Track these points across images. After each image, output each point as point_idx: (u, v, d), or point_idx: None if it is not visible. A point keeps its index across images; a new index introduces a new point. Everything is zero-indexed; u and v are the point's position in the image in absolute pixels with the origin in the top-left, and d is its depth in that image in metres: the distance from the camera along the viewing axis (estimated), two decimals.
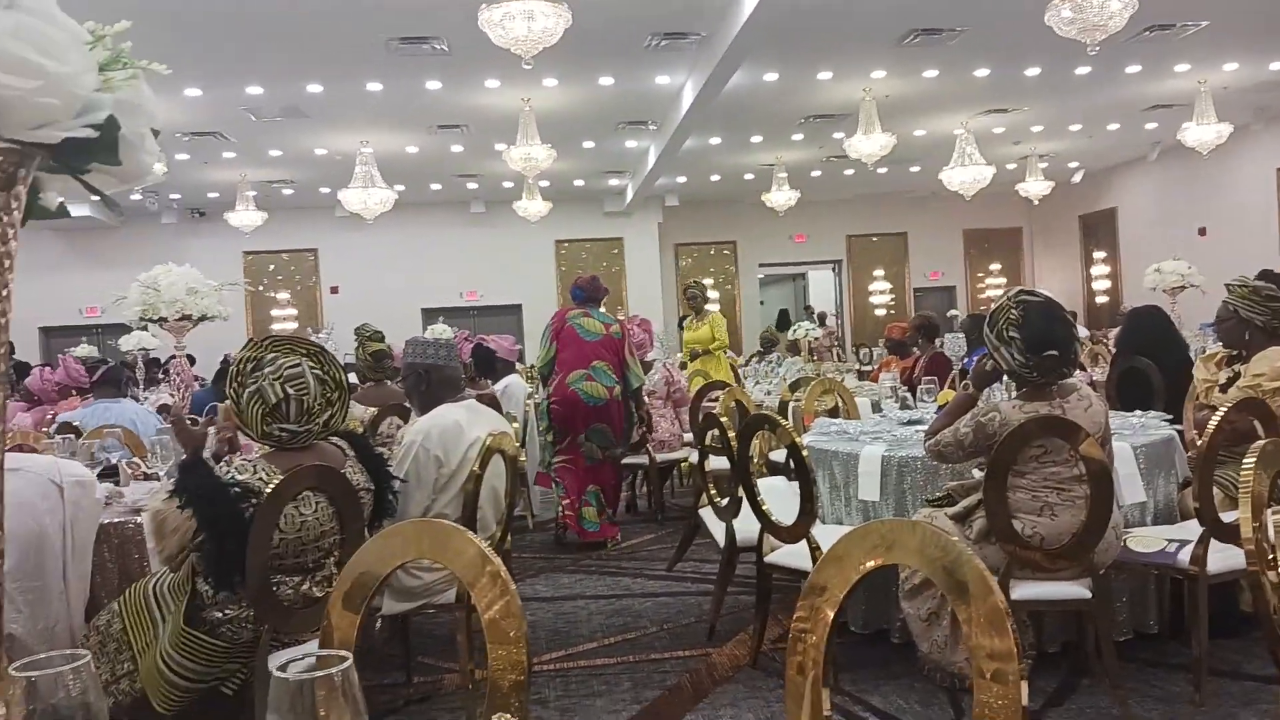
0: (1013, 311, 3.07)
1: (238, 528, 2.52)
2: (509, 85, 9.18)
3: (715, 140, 12.31)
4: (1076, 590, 2.93)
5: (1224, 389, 3.92)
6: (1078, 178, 15.90)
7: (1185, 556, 3.08)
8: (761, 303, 18.96)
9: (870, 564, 1.57)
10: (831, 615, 1.56)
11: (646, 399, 6.38)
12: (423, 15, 7.41)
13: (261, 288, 15.88)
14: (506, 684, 1.75)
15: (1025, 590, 2.96)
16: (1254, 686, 3.16)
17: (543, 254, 16.45)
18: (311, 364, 2.78)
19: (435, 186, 14.55)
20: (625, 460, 6.49)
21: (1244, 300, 3.89)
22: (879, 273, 18.32)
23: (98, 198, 0.76)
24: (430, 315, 14.73)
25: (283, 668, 0.85)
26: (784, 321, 17.67)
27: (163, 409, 6.31)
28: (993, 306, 3.24)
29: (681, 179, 14.93)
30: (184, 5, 6.91)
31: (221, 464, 2.68)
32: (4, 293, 0.72)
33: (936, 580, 1.45)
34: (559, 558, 5.64)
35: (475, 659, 3.19)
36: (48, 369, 6.88)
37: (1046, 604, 3.04)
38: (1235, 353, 4.01)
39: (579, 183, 14.77)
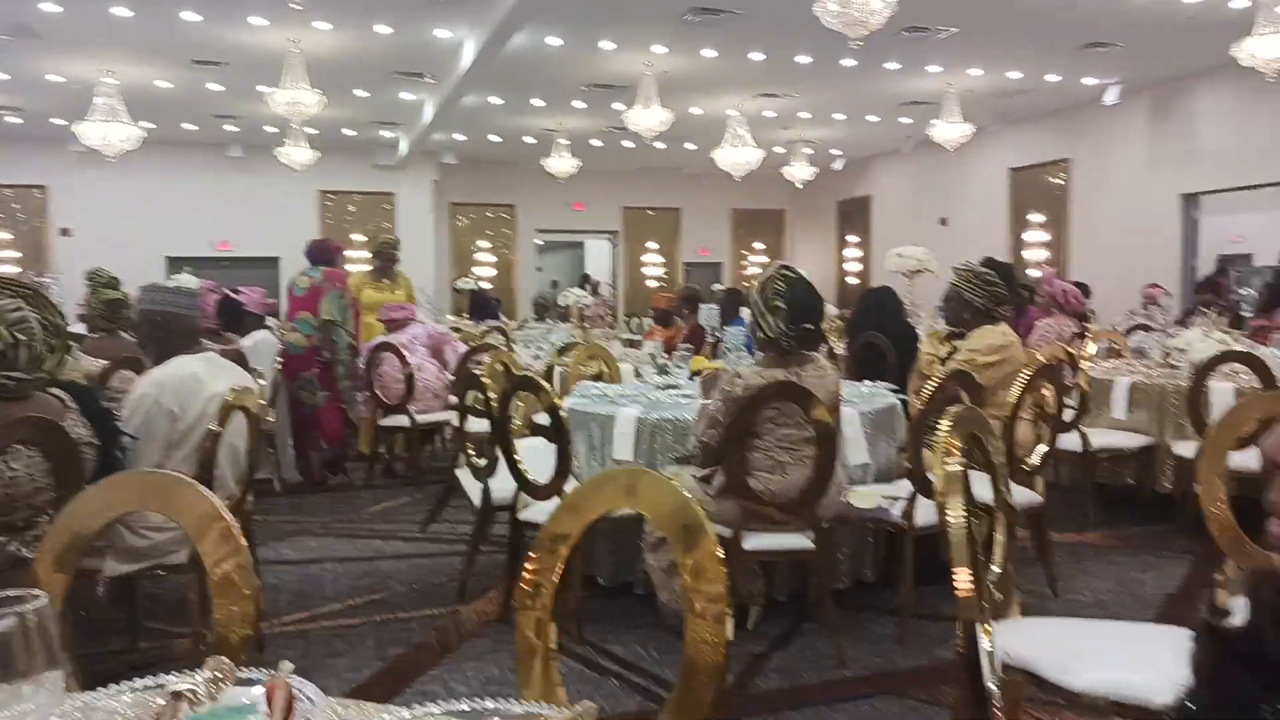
0: (779, 283, 3.25)
1: None
2: (277, 24, 8.64)
3: (496, 100, 12.13)
4: (801, 541, 3.16)
5: (944, 363, 4.31)
6: (839, 165, 16.91)
7: (897, 512, 3.39)
8: (539, 269, 18.96)
9: (604, 509, 1.63)
10: (562, 561, 1.61)
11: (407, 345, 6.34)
12: None
13: None
14: (235, 639, 1.69)
15: (757, 541, 3.17)
16: (949, 626, 3.51)
17: (305, 205, 15.60)
18: (31, 308, 2.56)
19: (189, 126, 13.48)
20: (385, 421, 6.35)
21: (966, 283, 4.29)
22: (653, 245, 18.77)
23: None
24: (176, 265, 13.66)
25: None
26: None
27: None
28: (761, 276, 3.40)
29: (460, 137, 14.61)
30: None
31: None
32: None
33: (661, 525, 1.53)
34: (307, 520, 5.45)
35: (208, 621, 3.05)
36: None
37: (775, 554, 3.27)
38: (956, 331, 4.43)
39: (349, 132, 14.12)
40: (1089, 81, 11.64)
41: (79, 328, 6.43)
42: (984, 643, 1.64)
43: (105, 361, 4.61)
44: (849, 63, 10.29)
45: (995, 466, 2.14)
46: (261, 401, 3.91)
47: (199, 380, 3.29)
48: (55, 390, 2.72)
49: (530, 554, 1.64)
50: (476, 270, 16.72)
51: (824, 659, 3.29)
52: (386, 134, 14.51)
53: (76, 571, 1.79)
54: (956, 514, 1.59)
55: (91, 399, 2.87)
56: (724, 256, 19.29)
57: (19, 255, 14.48)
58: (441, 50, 9.75)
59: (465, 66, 9.54)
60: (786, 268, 3.33)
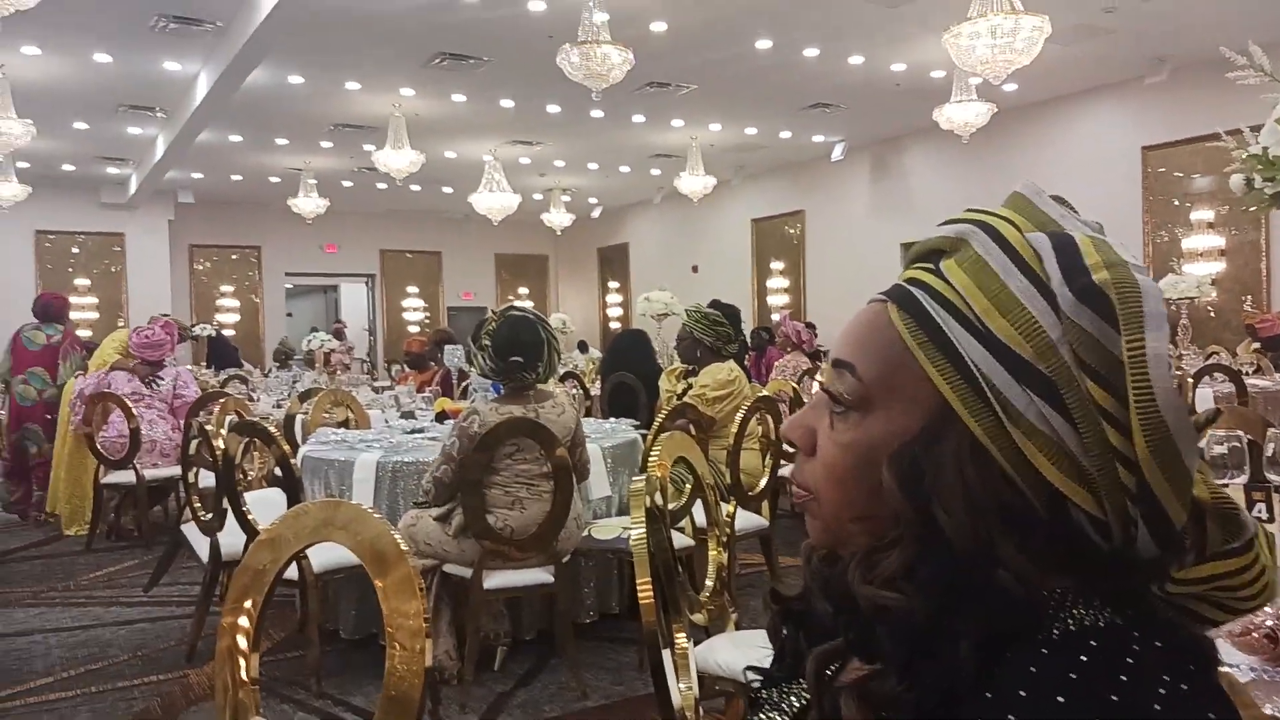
0: (491, 323, 3.31)
1: None
2: None
3: (236, 138, 11.60)
4: (542, 576, 3.20)
5: (680, 398, 4.53)
6: (596, 213, 17.38)
7: None
8: (289, 314, 18.14)
9: (305, 543, 1.60)
10: (262, 599, 1.56)
11: (148, 400, 5.92)
12: None
13: None
14: None
15: (498, 579, 3.18)
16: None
17: (20, 246, 14.20)
18: None
19: None
20: (109, 480, 5.86)
21: (696, 324, 4.54)
22: (413, 289, 18.46)
23: None
24: None
25: None
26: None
27: None
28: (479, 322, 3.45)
29: (197, 175, 13.80)
30: None
31: None
32: None
33: (360, 555, 1.52)
34: (16, 590, 4.92)
35: None
36: None
37: (517, 590, 3.29)
38: (690, 368, 4.66)
39: (69, 167, 13.02)
40: (818, 139, 12.66)
41: None
42: (667, 652, 1.74)
43: None
44: (598, 114, 10.65)
45: (705, 489, 2.27)
46: None
47: None
48: None
49: (231, 592, 1.58)
50: (220, 317, 15.78)
51: (567, 691, 3.33)
52: (114, 170, 13.50)
53: None
54: (637, 528, 1.68)
55: None
56: (489, 300, 19.26)
57: None
58: (173, 83, 9.25)
59: (199, 100, 9.08)
60: (512, 308, 3.42)
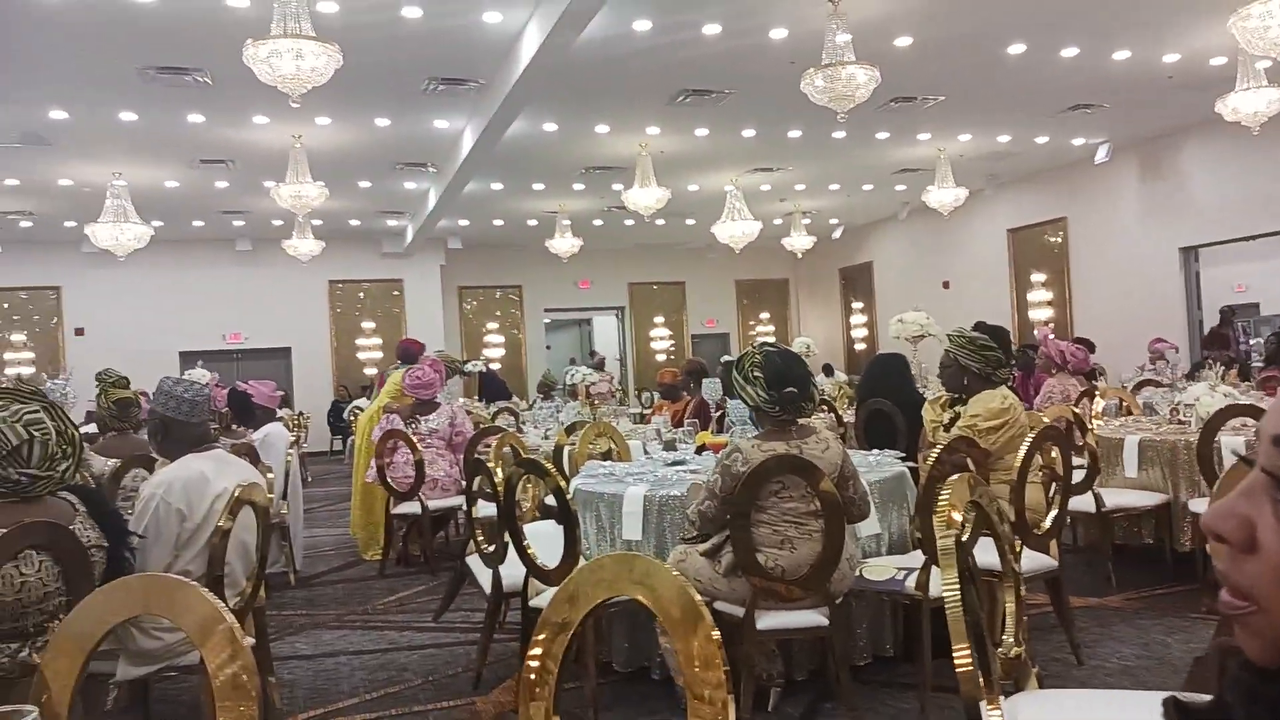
0: (756, 356, 3.29)
1: None
2: (279, 121, 8.88)
3: (497, 186, 12.38)
4: (815, 618, 3.13)
5: (947, 429, 4.31)
6: (837, 234, 17.10)
7: (911, 583, 3.35)
8: (548, 347, 19.10)
9: (601, 598, 1.63)
10: (563, 650, 1.61)
11: (427, 438, 6.36)
12: (181, 45, 7.06)
13: None
14: None
15: (771, 620, 3.13)
16: None
17: (315, 295, 15.87)
18: (46, 415, 2.62)
19: (198, 223, 13.77)
20: (397, 510, 6.34)
21: (961, 349, 4.31)
22: (659, 319, 18.93)
23: None
24: (189, 359, 13.84)
25: None
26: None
27: None
28: (739, 355, 3.46)
29: (464, 222, 14.87)
30: None
31: None
32: None
33: (659, 610, 1.53)
34: (321, 614, 5.41)
35: None
36: None
37: (790, 632, 3.23)
38: (956, 396, 4.43)
39: (355, 222, 14.40)
40: (1078, 141, 11.83)
41: (90, 428, 6.50)
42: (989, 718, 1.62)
43: (117, 460, 4.65)
44: (840, 134, 10.49)
45: (999, 533, 2.13)
46: (271, 495, 3.92)
47: (206, 479, 3.30)
48: (64, 494, 2.75)
49: (535, 640, 1.64)
50: (486, 352, 16.86)
51: None
52: (393, 222, 14.79)
53: (87, 676, 1.79)
54: (952, 588, 1.58)
55: (99, 501, 2.90)
56: (730, 327, 19.42)
57: (33, 355, 14.68)
58: (442, 139, 9.99)
59: (465, 154, 9.76)
60: (766, 343, 3.40)
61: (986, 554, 2.38)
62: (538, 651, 1.63)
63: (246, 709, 1.71)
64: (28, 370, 14.02)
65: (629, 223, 14.85)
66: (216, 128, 9.11)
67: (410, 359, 7.51)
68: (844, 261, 18.35)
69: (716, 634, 1.44)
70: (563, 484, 3.56)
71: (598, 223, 15.04)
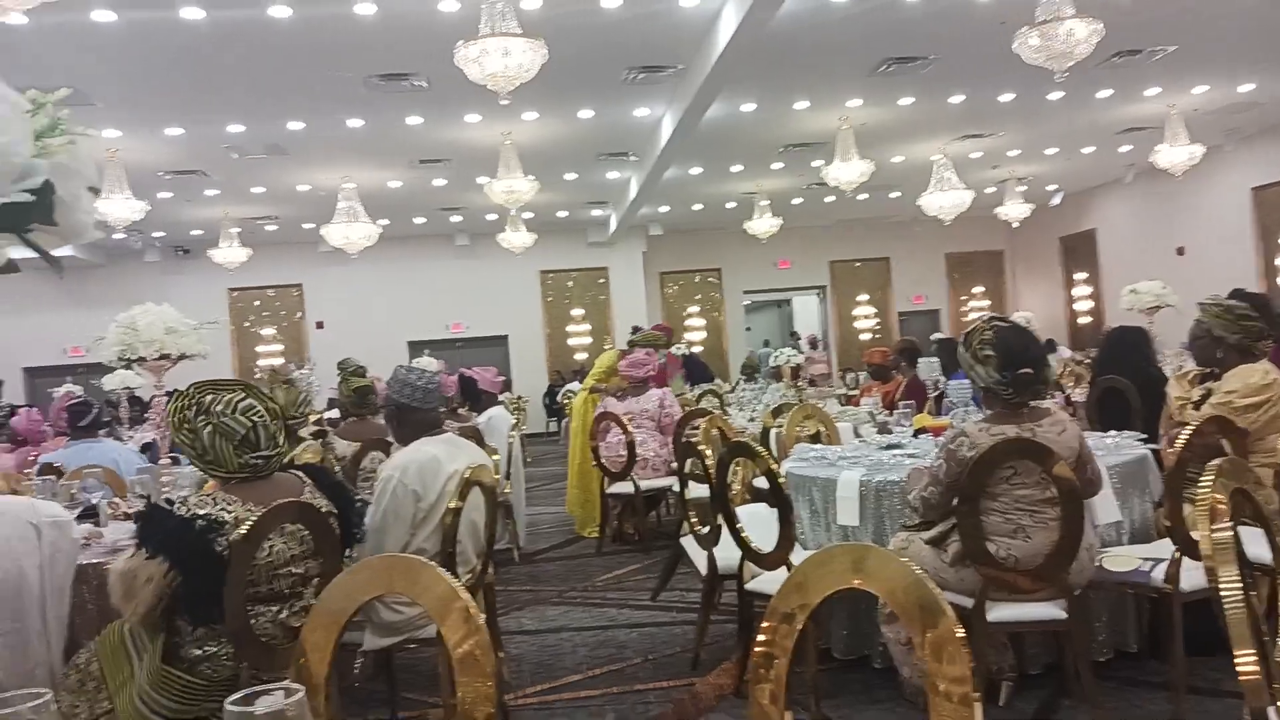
0: (986, 332, 3.12)
1: (210, 562, 2.52)
2: (489, 119, 9.26)
3: (696, 170, 12.42)
4: (1052, 611, 2.95)
5: (1197, 407, 3.95)
6: (1056, 200, 16.06)
7: (1159, 575, 3.10)
8: (748, 329, 19.05)
9: (832, 589, 1.60)
10: (793, 640, 1.58)
11: (637, 418, 6.51)
12: (401, 53, 7.48)
13: (247, 324, 15.93)
14: (480, 717, 1.76)
15: (1002, 612, 2.98)
16: (1234, 704, 3.17)
17: (528, 285, 16.55)
18: (252, 396, 2.81)
19: (419, 220, 14.60)
20: (611, 490, 6.51)
21: (1217, 319, 3.93)
22: (863, 298, 18.45)
23: (37, 254, 0.78)
24: (416, 348, 14.76)
25: (236, 703, 0.86)
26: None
27: (145, 448, 6.30)
28: (966, 330, 3.29)
29: (664, 208, 15.04)
30: (162, 45, 6.95)
31: (177, 504, 2.69)
32: None
33: (894, 604, 1.48)
34: (544, 590, 5.63)
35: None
36: (34, 410, 6.86)
37: (1023, 625, 3.06)
38: (1208, 371, 4.06)
39: (562, 214, 14.86)
40: None
41: (332, 413, 7.05)
42: None
43: (357, 444, 5.01)
44: (1056, 95, 9.84)
45: (1269, 521, 1.93)
46: (497, 476, 4.11)
47: (438, 461, 3.49)
48: (292, 470, 2.97)
49: (761, 627, 1.63)
50: (689, 335, 17.01)
51: None
52: (597, 212, 15.16)
53: (339, 646, 1.93)
54: (1231, 587, 1.44)
55: (324, 472, 3.13)
56: (940, 303, 18.68)
57: (281, 348, 16.11)
58: (642, 128, 10.12)
59: (665, 141, 9.84)
60: (996, 317, 3.20)
61: (1253, 546, 2.16)
62: (765, 639, 1.62)
63: (483, 682, 1.79)
64: (277, 361, 15.43)
65: (829, 199, 14.53)
66: (433, 128, 9.60)
67: (656, 344, 8.10)
68: (1064, 230, 17.21)
69: (960, 629, 1.37)
70: (774, 467, 3.53)
71: (797, 201, 14.82)
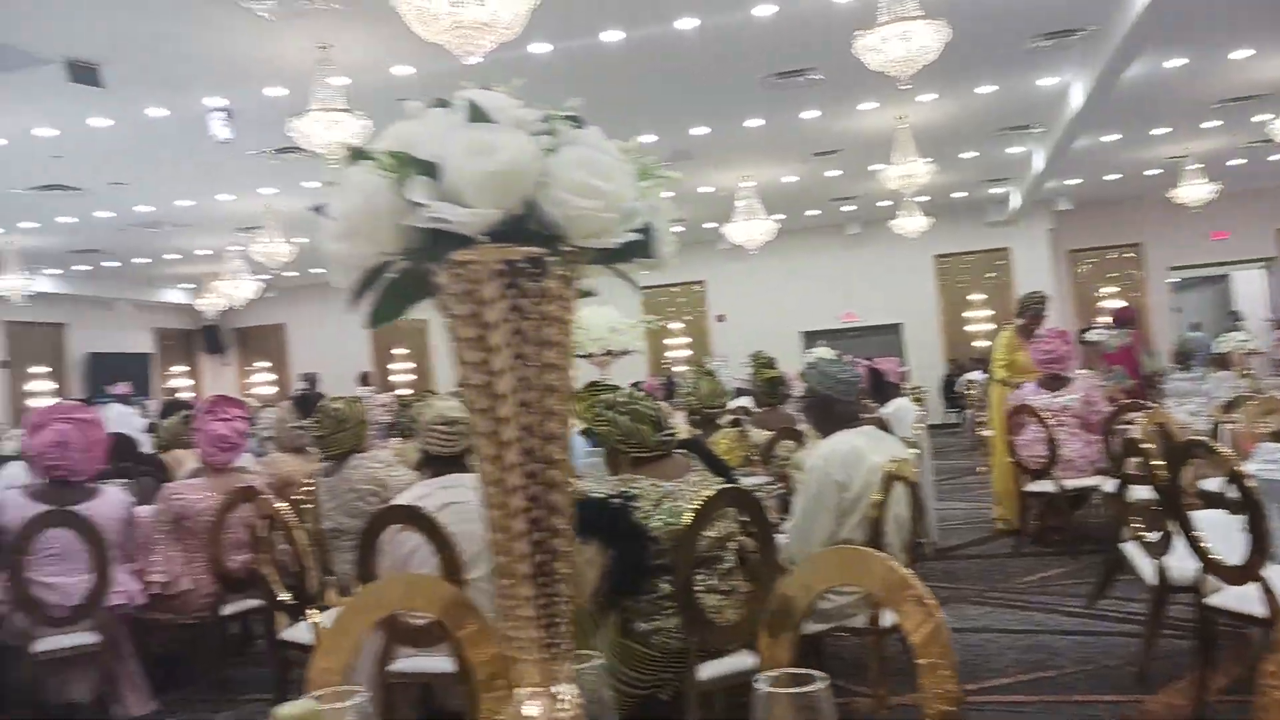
0: None
1: (635, 533, 2.84)
2: (885, 105, 9.14)
3: (1111, 137, 11.34)
4: None
5: None
6: None
7: None
8: (1177, 310, 17.01)
9: None
10: None
11: (1059, 414, 6.06)
12: (797, 49, 7.61)
13: (660, 321, 17.16)
14: (935, 713, 1.77)
15: None
16: None
17: (921, 270, 16.08)
18: (613, 392, 3.22)
19: (812, 212, 14.76)
20: (1029, 488, 6.14)
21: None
22: None
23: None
24: (810, 338, 14.94)
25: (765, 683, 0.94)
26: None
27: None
28: None
29: (1073, 181, 13.88)
30: (575, 63, 7.43)
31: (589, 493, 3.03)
32: (568, 371, 0.89)
33: None
34: (963, 588, 5.46)
35: (888, 684, 3.21)
36: None
37: None
38: None
39: (958, 195, 14.26)
40: None
41: (745, 401, 7.36)
42: None
43: (769, 432, 5.19)
44: None
45: None
46: (916, 469, 4.06)
47: (860, 453, 3.53)
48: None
49: (1268, 659, 1.47)
50: (1099, 318, 15.58)
51: None
52: (996, 190, 14.40)
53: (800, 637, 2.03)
54: None
55: (703, 448, 3.36)
56: None
57: (688, 340, 17.20)
58: (1046, 97, 9.46)
59: (1074, 109, 9.11)
60: None
61: None
62: (1272, 668, 1.46)
63: (942, 683, 1.79)
64: (685, 353, 16.54)
65: (1275, 157, 12.58)
66: (827, 120, 9.67)
67: (1122, 323, 8.32)
68: None
69: None
70: (1239, 469, 3.16)
71: (1235, 163, 12.99)
